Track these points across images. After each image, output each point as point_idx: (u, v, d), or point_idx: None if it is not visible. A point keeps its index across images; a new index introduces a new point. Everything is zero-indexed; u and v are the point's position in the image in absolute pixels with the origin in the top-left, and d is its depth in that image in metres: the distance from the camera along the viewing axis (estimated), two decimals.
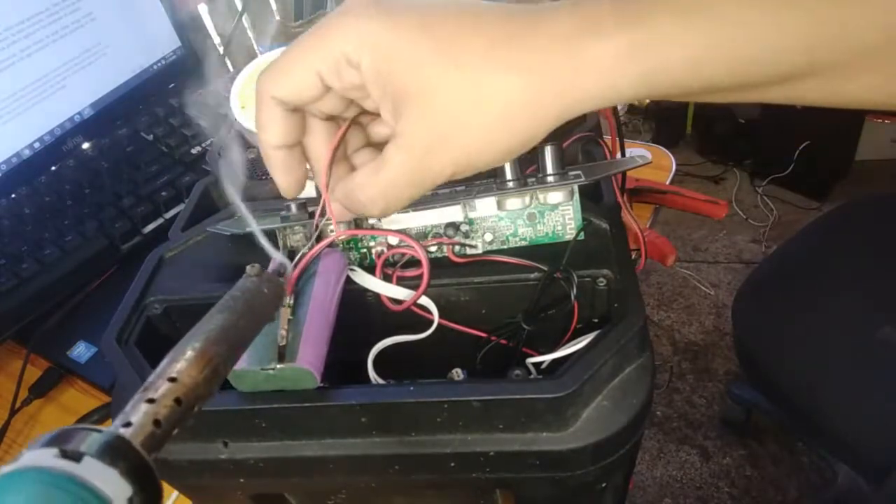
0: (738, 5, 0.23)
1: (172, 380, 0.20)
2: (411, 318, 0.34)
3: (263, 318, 0.26)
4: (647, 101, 2.00)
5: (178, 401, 0.20)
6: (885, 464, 0.68)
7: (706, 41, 0.23)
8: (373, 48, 0.24)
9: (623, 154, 0.47)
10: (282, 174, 0.28)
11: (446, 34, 0.24)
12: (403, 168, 0.25)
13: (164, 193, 0.62)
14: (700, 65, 0.23)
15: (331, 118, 0.29)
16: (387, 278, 0.34)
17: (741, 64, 0.24)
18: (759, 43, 0.23)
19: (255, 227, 0.30)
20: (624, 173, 0.39)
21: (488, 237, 0.36)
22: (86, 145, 0.70)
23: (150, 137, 0.69)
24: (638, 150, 0.79)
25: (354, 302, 0.35)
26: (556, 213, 0.36)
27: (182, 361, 0.21)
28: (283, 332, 0.30)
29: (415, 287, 0.33)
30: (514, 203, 0.35)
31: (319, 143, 0.29)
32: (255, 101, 0.26)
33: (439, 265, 0.35)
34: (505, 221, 0.36)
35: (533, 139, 0.25)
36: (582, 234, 0.36)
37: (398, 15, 0.24)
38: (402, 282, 0.34)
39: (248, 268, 0.26)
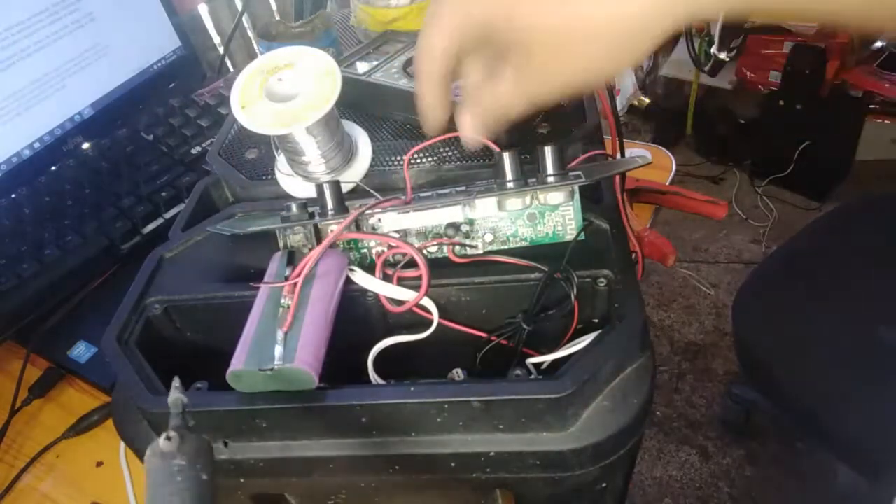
0: None
1: None
2: (411, 319, 0.34)
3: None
4: (647, 100, 2.00)
5: None
6: (885, 462, 0.68)
7: None
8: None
9: (623, 154, 0.47)
10: (432, 110, 0.34)
11: None
12: (535, 76, 0.30)
13: (164, 193, 0.62)
14: None
15: None
16: (387, 279, 0.34)
17: None
18: None
19: None
20: (624, 173, 0.39)
21: (489, 237, 0.36)
22: (86, 145, 0.70)
23: (150, 137, 0.69)
24: (638, 151, 0.79)
25: (354, 302, 0.35)
26: (557, 214, 0.36)
27: None
28: (283, 333, 0.30)
29: (415, 287, 0.33)
30: (514, 203, 0.35)
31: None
32: (417, 50, 0.32)
33: (439, 265, 0.35)
34: (505, 222, 0.36)
35: (652, 47, 0.28)
36: (582, 234, 0.36)
37: None
38: (402, 282, 0.34)
39: (161, 443, 0.21)
